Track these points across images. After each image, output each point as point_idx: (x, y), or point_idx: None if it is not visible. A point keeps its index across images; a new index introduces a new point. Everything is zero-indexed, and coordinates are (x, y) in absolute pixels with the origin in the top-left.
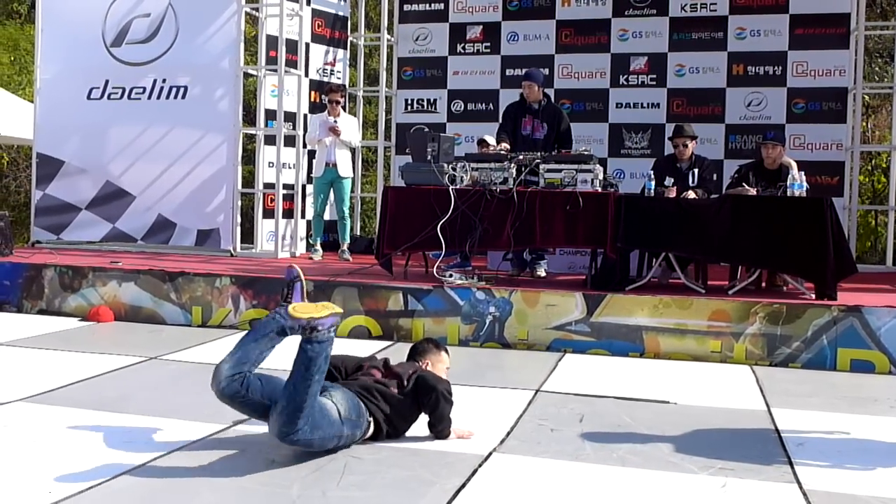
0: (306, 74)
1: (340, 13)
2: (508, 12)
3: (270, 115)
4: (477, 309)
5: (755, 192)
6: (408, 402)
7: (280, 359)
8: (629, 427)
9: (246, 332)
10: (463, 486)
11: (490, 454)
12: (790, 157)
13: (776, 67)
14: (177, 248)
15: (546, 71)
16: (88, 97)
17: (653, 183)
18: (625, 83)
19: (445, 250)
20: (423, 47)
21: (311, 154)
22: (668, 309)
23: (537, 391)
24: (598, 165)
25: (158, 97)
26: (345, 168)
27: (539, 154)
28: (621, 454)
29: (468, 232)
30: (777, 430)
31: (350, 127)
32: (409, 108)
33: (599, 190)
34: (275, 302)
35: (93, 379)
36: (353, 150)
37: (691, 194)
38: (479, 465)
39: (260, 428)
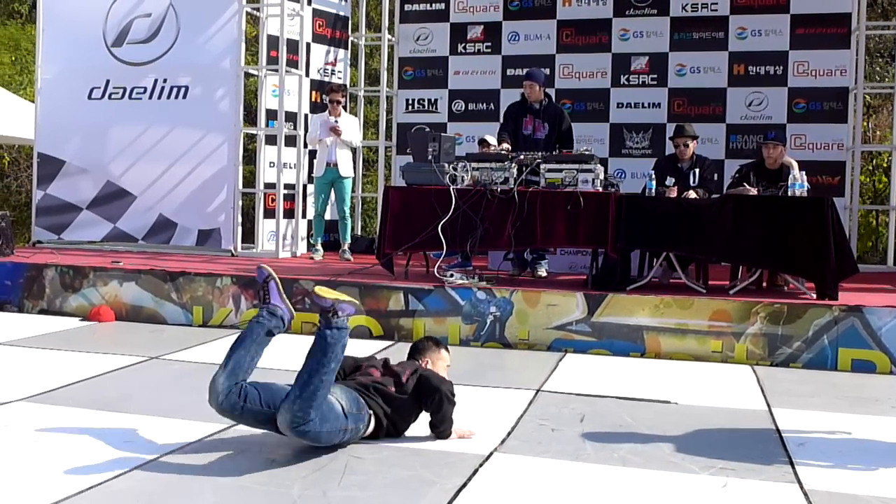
0: (307, 74)
1: (341, 13)
2: (509, 12)
3: (271, 114)
4: (478, 309)
5: (756, 192)
6: (408, 400)
7: (274, 359)
8: (630, 427)
9: (233, 341)
10: (464, 485)
11: (491, 454)
12: (791, 156)
13: (777, 67)
14: (178, 247)
15: (547, 71)
16: (89, 97)
17: (654, 183)
18: (626, 83)
19: (446, 250)
20: (423, 47)
21: (312, 154)
22: (668, 309)
23: (538, 391)
24: (598, 165)
25: (159, 97)
26: (346, 168)
27: (540, 154)
28: (622, 454)
29: (469, 232)
30: (778, 430)
31: (351, 127)
32: (409, 107)
33: (600, 190)
34: None
35: (94, 379)
36: (353, 150)
37: (692, 194)
38: (480, 465)
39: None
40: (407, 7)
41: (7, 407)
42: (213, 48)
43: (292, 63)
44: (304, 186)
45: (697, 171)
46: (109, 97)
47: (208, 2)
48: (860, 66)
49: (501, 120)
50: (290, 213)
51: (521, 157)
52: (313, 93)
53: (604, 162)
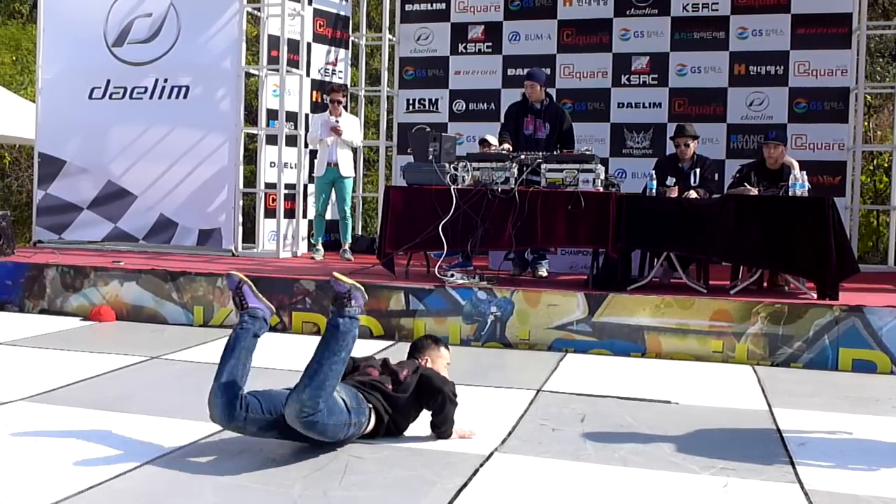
0: (308, 74)
1: (342, 13)
2: (510, 12)
3: (272, 114)
4: (478, 309)
5: (757, 192)
6: (408, 399)
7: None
8: (631, 427)
9: (222, 350)
10: (464, 485)
11: (492, 454)
12: (792, 156)
13: (778, 67)
14: (178, 247)
15: (548, 71)
16: (90, 97)
17: (654, 183)
18: (626, 83)
19: (447, 250)
20: (424, 47)
21: (313, 154)
22: (669, 309)
23: (539, 391)
24: (599, 165)
25: (160, 97)
26: (346, 168)
27: (541, 154)
28: (623, 454)
29: (470, 232)
30: (779, 430)
31: (351, 127)
32: (410, 107)
33: (601, 190)
34: (276, 301)
35: (94, 378)
36: (354, 150)
37: (693, 194)
38: (481, 465)
39: None
40: (408, 7)
41: (7, 407)
42: (213, 48)
43: (293, 63)
44: (305, 186)
45: (698, 170)
46: (110, 97)
47: (209, 2)
48: (861, 66)
49: (502, 120)
50: (290, 213)
51: (522, 156)
52: (314, 93)
53: (604, 162)
